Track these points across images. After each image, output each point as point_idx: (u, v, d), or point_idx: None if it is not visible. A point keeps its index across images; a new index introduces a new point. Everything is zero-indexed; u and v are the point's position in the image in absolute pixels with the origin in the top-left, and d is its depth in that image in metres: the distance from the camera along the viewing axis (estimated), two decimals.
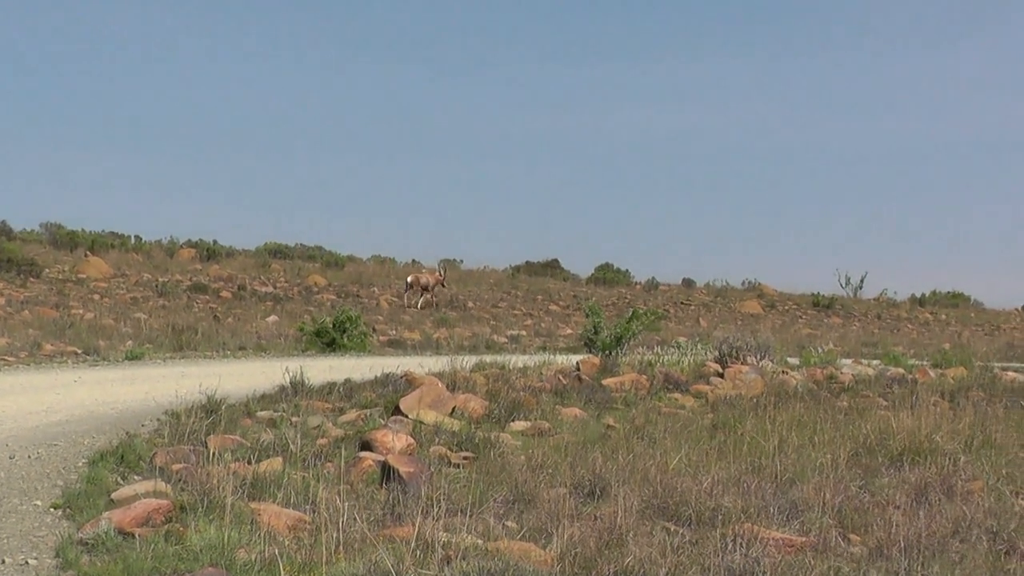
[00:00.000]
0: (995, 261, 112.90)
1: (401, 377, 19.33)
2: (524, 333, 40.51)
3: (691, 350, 27.08)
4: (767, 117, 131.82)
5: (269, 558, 8.32)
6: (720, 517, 10.21)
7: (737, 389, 21.42)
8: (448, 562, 8.16)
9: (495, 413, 16.88)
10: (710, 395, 20.89)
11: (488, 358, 24.58)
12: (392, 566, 7.81)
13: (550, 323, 46.56)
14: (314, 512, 9.70)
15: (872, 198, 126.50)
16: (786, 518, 10.50)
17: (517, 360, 23.49)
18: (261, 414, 15.89)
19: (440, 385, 17.54)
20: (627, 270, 72.07)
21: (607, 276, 69.68)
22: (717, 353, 25.83)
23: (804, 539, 9.68)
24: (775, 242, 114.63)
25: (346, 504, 9.39)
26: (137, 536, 8.91)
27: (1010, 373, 26.66)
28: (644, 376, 21.95)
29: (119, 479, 11.32)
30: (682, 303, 63.19)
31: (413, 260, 69.77)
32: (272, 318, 38.65)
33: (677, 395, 20.96)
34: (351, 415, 16.19)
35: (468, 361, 22.00)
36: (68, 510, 10.11)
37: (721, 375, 23.27)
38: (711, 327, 46.27)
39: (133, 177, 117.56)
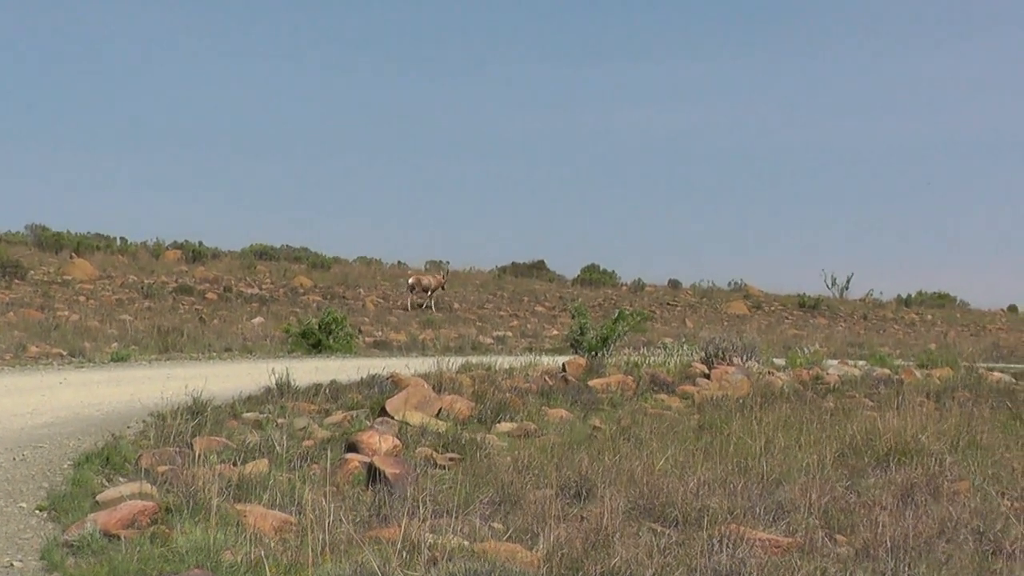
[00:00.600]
0: (981, 262, 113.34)
1: (387, 378, 19.32)
2: (510, 334, 40.52)
3: (677, 351, 27.13)
4: (753, 118, 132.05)
5: (255, 560, 8.31)
6: (706, 518, 10.20)
7: (723, 390, 21.45)
8: (434, 563, 8.15)
9: (481, 414, 16.88)
10: (696, 396, 20.92)
11: (474, 359, 24.58)
12: (378, 567, 7.80)
13: (536, 324, 46.56)
14: (300, 514, 9.69)
15: (858, 199, 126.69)
16: (772, 519, 10.50)
17: (503, 361, 23.49)
18: (247, 416, 15.87)
19: (426, 386, 17.53)
20: (613, 271, 72.17)
21: (593, 277, 69.71)
22: (703, 354, 25.89)
23: (790, 540, 9.68)
24: (761, 243, 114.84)
25: (332, 505, 9.38)
26: (122, 538, 8.89)
27: (996, 373, 26.76)
28: (630, 377, 21.97)
29: (104, 481, 11.30)
30: (668, 304, 63.24)
31: (399, 261, 69.83)
32: (258, 319, 38.61)
33: (663, 396, 20.99)
34: (337, 416, 16.17)
35: (454, 362, 22.00)
36: (53, 512, 10.08)
37: (707, 376, 23.32)
38: (697, 328, 46.30)
39: (119, 178, 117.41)
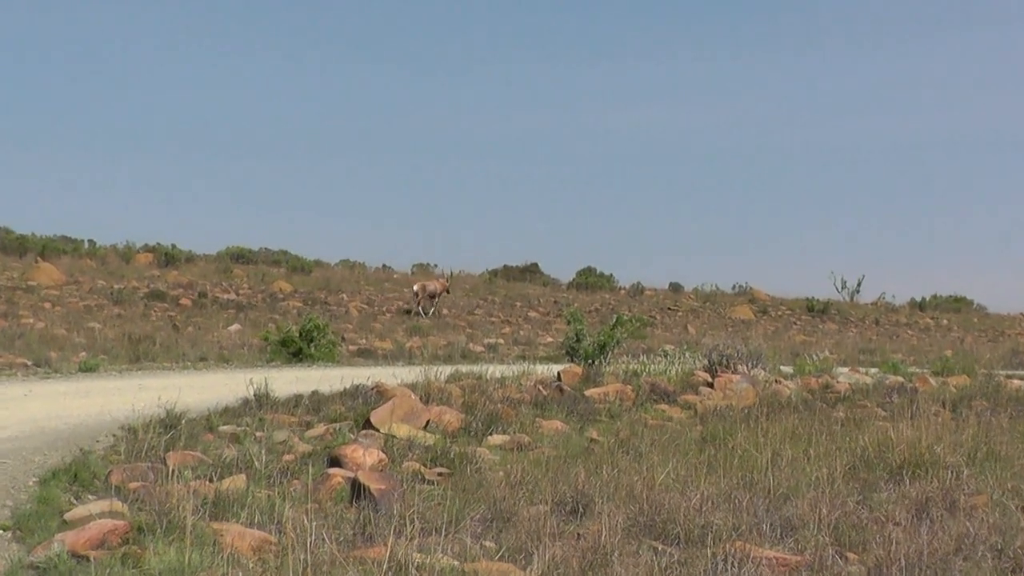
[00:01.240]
0: (999, 263, 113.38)
1: (372, 389, 19.32)
2: (502, 341, 40.48)
3: (679, 359, 27.16)
4: (757, 115, 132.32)
5: None
6: (710, 535, 10.21)
7: (727, 399, 21.46)
8: None
9: (472, 426, 16.89)
10: (699, 406, 20.93)
11: (464, 368, 24.57)
12: None
13: (529, 331, 46.54)
14: (280, 532, 9.68)
15: (869, 197, 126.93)
16: (780, 536, 10.51)
17: (495, 370, 23.47)
18: (223, 429, 15.85)
19: (413, 397, 17.54)
20: (611, 274, 72.22)
21: (589, 281, 69.72)
22: (706, 362, 25.92)
23: (799, 558, 9.69)
24: (767, 244, 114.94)
25: (314, 524, 9.37)
26: (92, 559, 8.88)
27: (1015, 381, 26.75)
28: (629, 386, 21.98)
29: (72, 499, 11.28)
30: (669, 309, 63.24)
31: (384, 265, 69.94)
32: (235, 327, 38.55)
33: (664, 406, 21.00)
34: (319, 429, 16.17)
35: (443, 371, 22.01)
36: (18, 532, 10.05)
37: (711, 385, 23.32)
38: (700, 334, 46.29)
39: (87, 178, 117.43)
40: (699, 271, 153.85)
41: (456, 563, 8.97)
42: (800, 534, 10.54)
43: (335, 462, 13.28)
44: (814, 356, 33.20)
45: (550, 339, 41.87)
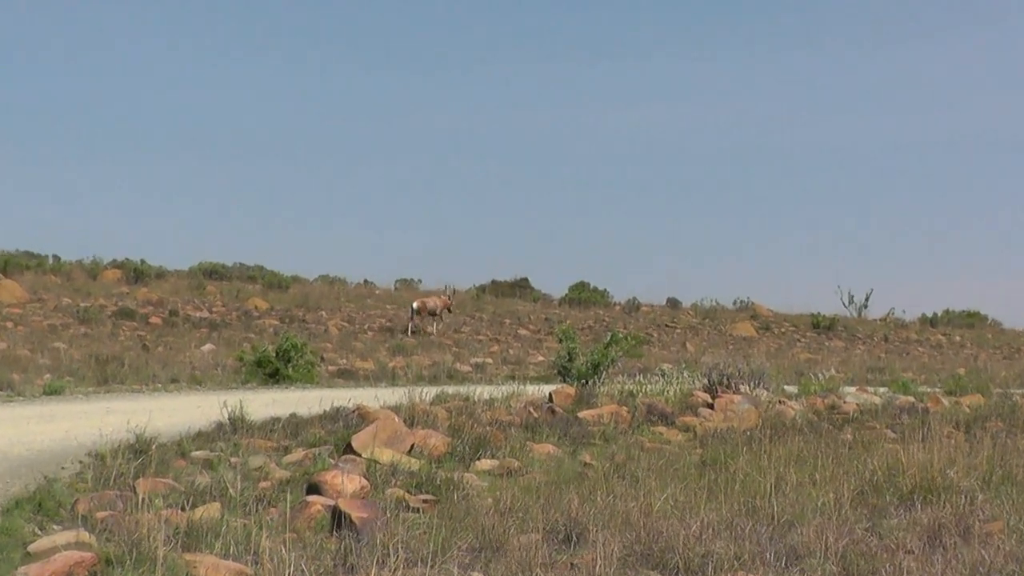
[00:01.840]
0: (1015, 276, 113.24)
1: (353, 411, 19.30)
2: (490, 361, 40.49)
3: (677, 378, 27.15)
4: (759, 117, 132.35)
5: None
6: (711, 565, 10.21)
7: (729, 421, 21.47)
8: None
9: (458, 450, 16.88)
10: (699, 428, 20.94)
11: (450, 389, 24.58)
12: None
13: (519, 349, 46.54)
14: (257, 564, 9.67)
15: (878, 206, 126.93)
16: (784, 565, 10.51)
17: (483, 391, 23.46)
18: (196, 454, 15.84)
19: (397, 420, 17.51)
20: (605, 289, 72.31)
21: (582, 296, 69.77)
22: (706, 381, 25.91)
23: None
24: (769, 257, 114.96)
25: (292, 554, 9.36)
26: None
27: None
28: (625, 408, 21.98)
29: (36, 529, 11.26)
30: (667, 326, 63.30)
31: (365, 280, 69.97)
32: (208, 347, 38.52)
33: (662, 428, 21.00)
34: (297, 454, 16.16)
35: (428, 393, 21.97)
36: None
37: (711, 406, 23.33)
38: (699, 352, 46.36)
39: (50, 190, 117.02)
40: (698, 286, 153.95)
41: None
42: (806, 563, 10.54)
43: (314, 489, 13.26)
44: (820, 375, 33.24)
45: (541, 358, 41.88)
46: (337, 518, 11.42)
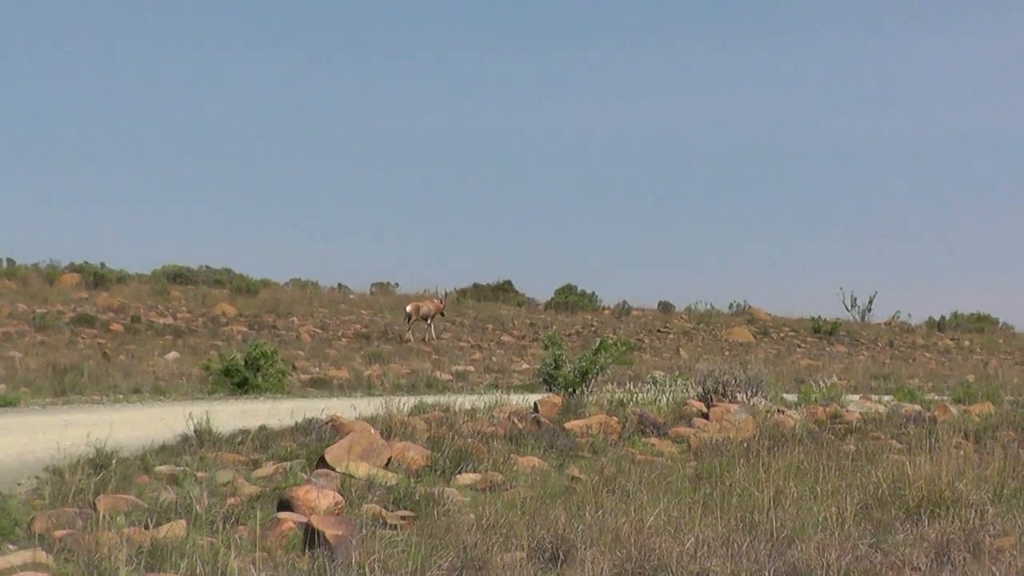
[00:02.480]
0: None
1: (327, 423, 19.29)
2: (472, 369, 40.49)
3: (670, 386, 27.17)
4: (755, 112, 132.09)
5: None
6: None
7: (724, 432, 21.49)
8: None
9: (439, 464, 16.89)
10: (693, 439, 20.97)
11: (430, 399, 24.58)
12: None
13: (502, 356, 46.57)
14: None
15: (882, 204, 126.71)
16: None
17: (464, 401, 23.48)
18: (160, 469, 15.83)
19: (373, 432, 17.52)
20: (593, 293, 72.32)
21: (569, 300, 69.79)
22: (701, 389, 25.95)
23: None
24: (767, 258, 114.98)
25: (262, 575, 9.36)
26: None
27: None
28: (614, 418, 22.01)
29: None
30: (659, 331, 63.35)
31: (340, 284, 70.00)
32: (172, 355, 38.49)
33: (654, 440, 21.04)
34: (267, 469, 16.16)
35: (406, 403, 21.97)
36: None
37: (705, 415, 23.36)
38: (693, 359, 46.35)
39: (3, 190, 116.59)
40: (692, 289, 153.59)
41: None
42: None
43: (286, 505, 13.26)
44: (821, 382, 33.24)
45: (526, 366, 41.89)
46: (310, 536, 11.42)
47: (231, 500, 13.77)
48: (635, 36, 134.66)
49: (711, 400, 24.86)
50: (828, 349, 61.55)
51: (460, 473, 16.59)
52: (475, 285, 71.58)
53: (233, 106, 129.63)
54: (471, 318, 60.19)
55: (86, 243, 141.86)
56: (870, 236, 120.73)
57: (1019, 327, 77.80)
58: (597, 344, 30.89)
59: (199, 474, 15.39)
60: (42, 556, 10.34)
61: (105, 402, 27.31)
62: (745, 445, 19.32)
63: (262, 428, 19.39)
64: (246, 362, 31.08)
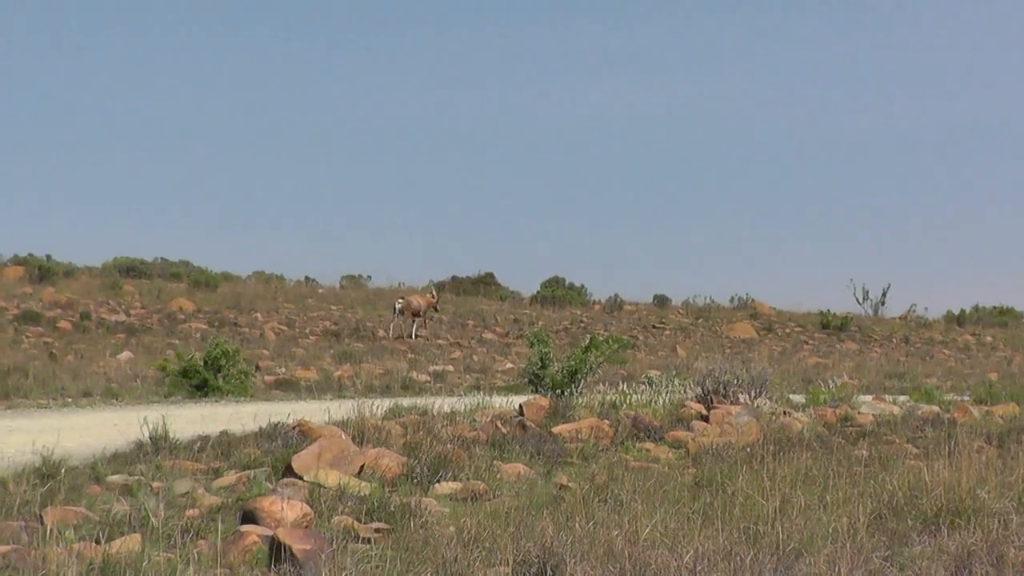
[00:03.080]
0: None
1: (293, 428, 19.29)
2: (451, 368, 40.53)
3: (666, 387, 27.18)
4: (758, 91, 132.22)
5: None
6: None
7: (726, 436, 21.51)
8: None
9: (416, 472, 16.89)
10: (691, 444, 20.98)
11: (406, 401, 24.60)
12: None
13: (484, 355, 46.62)
14: None
15: (896, 191, 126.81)
16: None
17: (443, 403, 23.48)
18: (113, 479, 15.80)
19: (344, 437, 17.53)
20: (582, 286, 72.48)
21: (557, 294, 69.86)
22: (699, 390, 25.95)
23: None
24: (772, 248, 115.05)
25: None
26: None
27: None
28: (606, 421, 22.02)
29: None
30: (654, 327, 63.44)
31: (307, 278, 70.04)
32: (125, 355, 38.46)
33: (649, 445, 21.04)
34: (229, 478, 16.14)
35: (380, 406, 21.97)
36: None
37: (705, 419, 23.38)
38: (691, 357, 46.40)
39: None
40: (690, 281, 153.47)
41: None
42: None
43: (249, 517, 13.26)
44: (830, 382, 33.31)
45: (510, 365, 41.95)
46: (276, 551, 11.41)
47: (190, 512, 13.75)
48: (624, 13, 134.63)
49: (711, 402, 24.87)
50: (838, 346, 61.67)
51: (439, 482, 16.58)
52: (454, 278, 71.69)
53: (190, 88, 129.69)
54: (450, 314, 60.23)
55: (30, 234, 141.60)
56: (883, 223, 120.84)
57: None
58: (587, 341, 30.88)
59: (155, 484, 15.37)
60: None
61: (52, 406, 27.27)
62: (748, 450, 19.35)
63: (223, 434, 19.38)
64: (206, 362, 31.04)
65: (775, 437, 21.07)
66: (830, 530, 12.83)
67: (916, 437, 22.12)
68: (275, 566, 11.18)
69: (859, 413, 25.91)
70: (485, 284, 71.50)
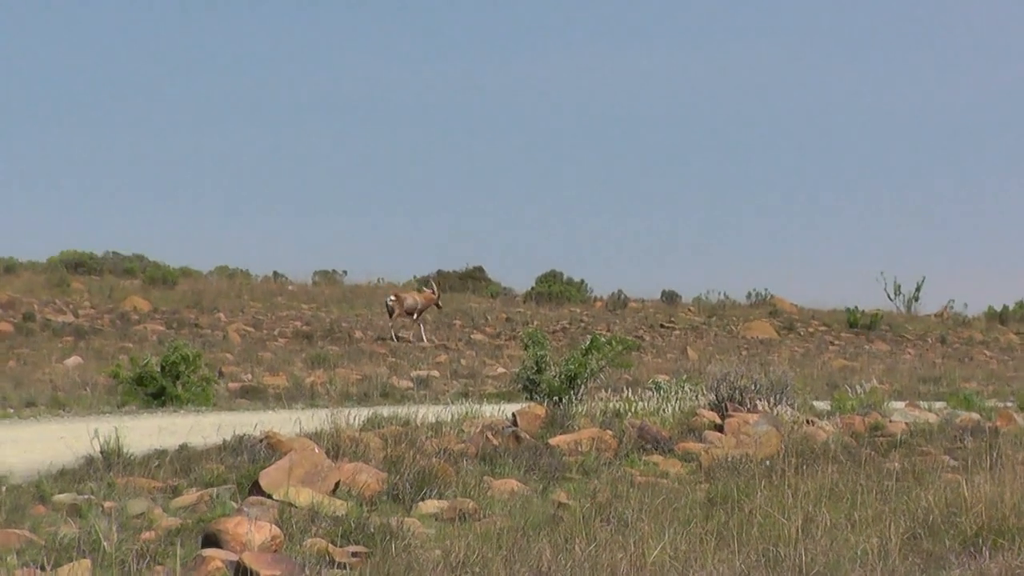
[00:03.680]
0: None
1: (261, 440, 19.32)
2: (436, 374, 40.54)
3: (676, 393, 27.19)
4: (778, 67, 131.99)
5: None
6: None
7: (742, 447, 21.54)
8: None
9: (397, 489, 16.91)
10: (704, 457, 21.00)
11: (386, 411, 24.59)
12: None
13: (473, 358, 46.63)
14: None
15: (930, 176, 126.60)
16: None
17: (427, 413, 23.50)
18: (60, 498, 15.82)
19: (317, 451, 17.53)
20: (582, 281, 72.50)
21: (553, 290, 69.84)
22: (713, 397, 25.98)
23: None
24: (793, 239, 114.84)
25: None
26: None
27: None
28: (609, 432, 22.04)
29: None
30: (662, 326, 63.42)
31: (275, 273, 69.99)
32: (73, 360, 38.47)
33: (657, 458, 21.08)
34: (190, 497, 16.15)
35: (357, 416, 21.99)
36: None
37: (719, 428, 23.41)
38: (704, 360, 46.45)
39: None
40: (701, 276, 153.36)
41: None
42: None
43: (212, 540, 13.26)
44: (858, 387, 33.33)
45: (502, 370, 41.98)
46: None
47: (146, 535, 13.76)
48: None
49: (726, 409, 24.89)
50: (867, 347, 61.66)
51: (423, 500, 16.61)
52: (439, 272, 71.60)
53: (143, 66, 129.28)
54: (434, 312, 60.23)
55: None
56: (918, 210, 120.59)
57: None
58: (587, 343, 30.87)
59: (107, 504, 15.37)
60: None
61: None
62: (767, 463, 19.36)
63: (183, 448, 19.40)
64: (163, 368, 31.05)
65: (797, 448, 21.08)
66: (859, 552, 12.85)
67: (954, 448, 22.15)
68: None
69: (890, 421, 25.95)
70: (474, 279, 71.55)
